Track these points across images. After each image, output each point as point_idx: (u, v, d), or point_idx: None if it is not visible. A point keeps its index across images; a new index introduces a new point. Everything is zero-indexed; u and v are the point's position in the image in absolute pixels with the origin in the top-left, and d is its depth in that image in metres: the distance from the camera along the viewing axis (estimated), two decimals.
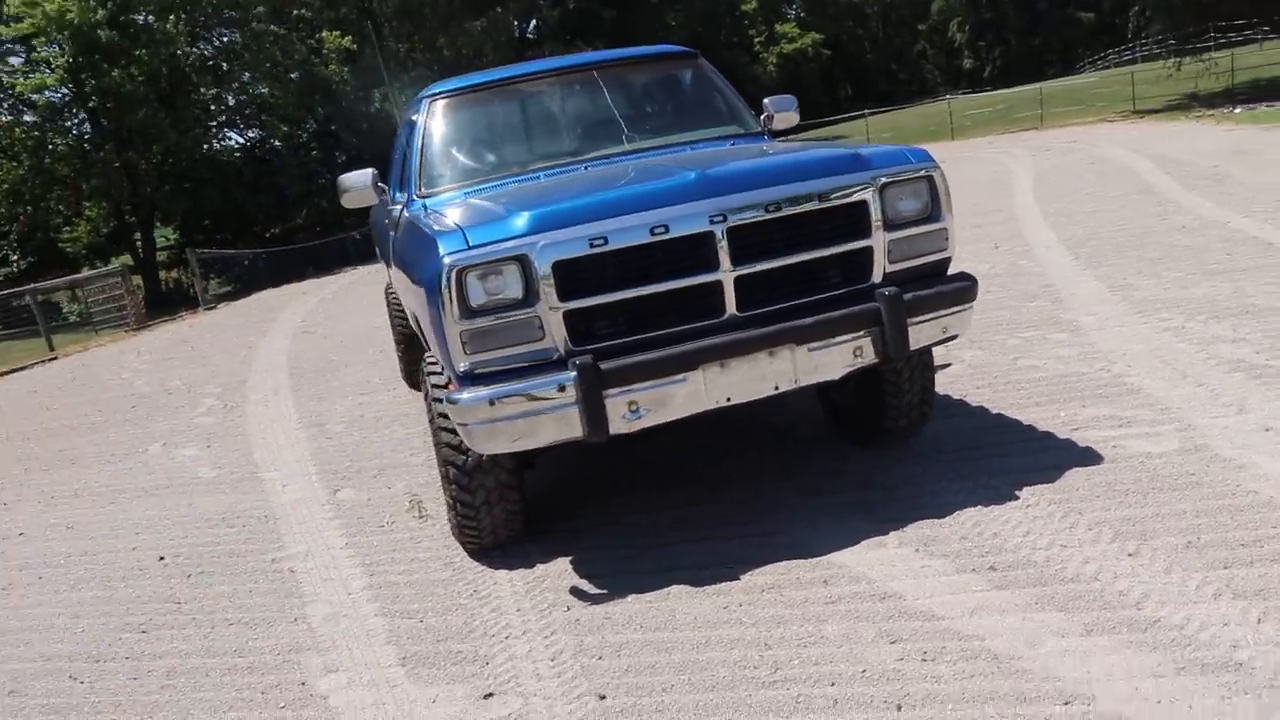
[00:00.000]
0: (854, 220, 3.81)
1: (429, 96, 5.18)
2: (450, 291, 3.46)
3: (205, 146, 27.38)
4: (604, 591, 3.71)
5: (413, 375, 7.54)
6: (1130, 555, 3.34)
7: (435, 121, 5.06)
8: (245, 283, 25.47)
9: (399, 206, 5.02)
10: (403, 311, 7.21)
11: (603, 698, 3.00)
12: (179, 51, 24.80)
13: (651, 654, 3.21)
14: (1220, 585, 3.06)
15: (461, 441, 3.84)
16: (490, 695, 3.12)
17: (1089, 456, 4.21)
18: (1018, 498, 3.91)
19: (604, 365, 3.49)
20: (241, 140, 29.98)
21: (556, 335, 3.55)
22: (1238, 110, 21.89)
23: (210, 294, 23.08)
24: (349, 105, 27.42)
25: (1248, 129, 17.53)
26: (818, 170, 3.82)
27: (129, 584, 4.71)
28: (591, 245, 3.52)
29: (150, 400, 9.60)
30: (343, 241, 28.15)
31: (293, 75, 26.88)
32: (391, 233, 5.11)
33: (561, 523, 4.43)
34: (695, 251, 3.63)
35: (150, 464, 6.99)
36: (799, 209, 3.71)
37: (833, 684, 2.87)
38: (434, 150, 4.98)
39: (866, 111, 39.92)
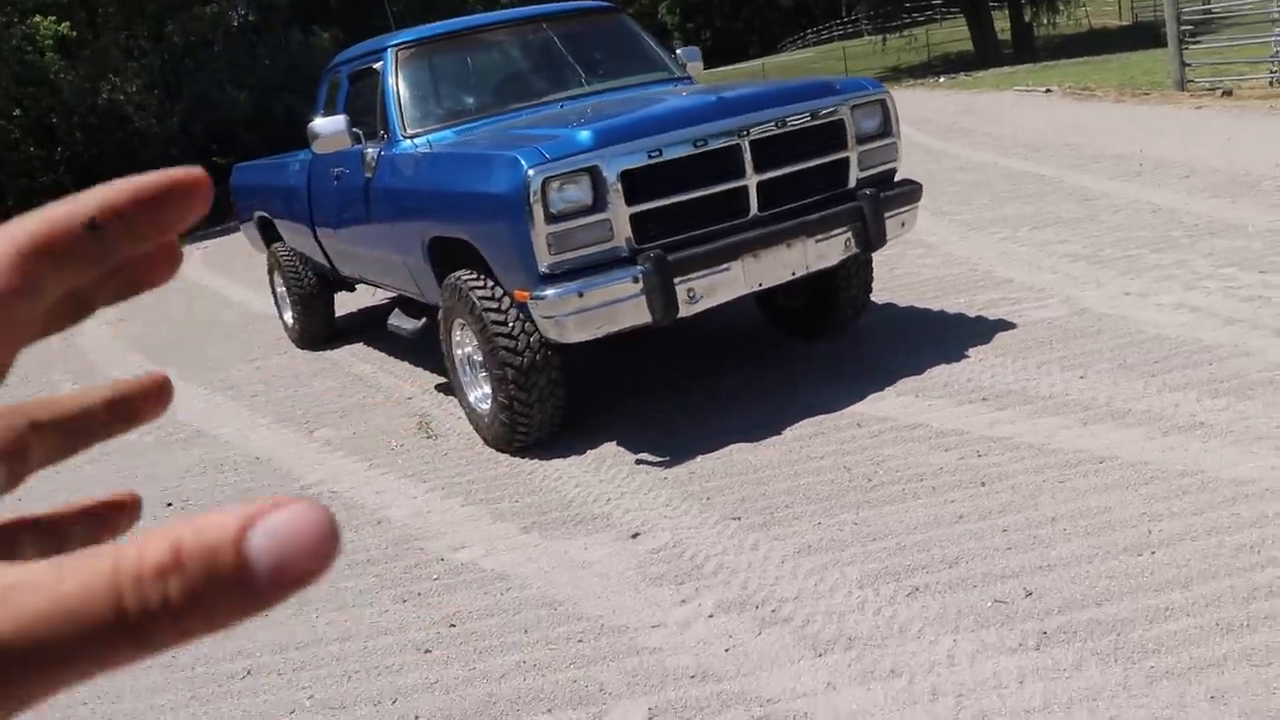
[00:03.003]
0: (836, 135, 4.60)
1: (394, 46, 5.47)
2: (537, 200, 3.94)
3: None
4: (668, 458, 4.30)
5: (312, 337, 7.64)
6: (1082, 379, 4.33)
7: (406, 68, 5.38)
8: None
9: (373, 149, 5.31)
10: (298, 272, 7.36)
11: (738, 519, 3.63)
12: None
13: (753, 488, 3.86)
14: (1160, 385, 4.09)
15: (518, 344, 4.33)
16: (637, 535, 3.67)
17: (1003, 325, 5.23)
18: (969, 356, 4.85)
19: (670, 258, 4.09)
20: None
21: (623, 235, 4.11)
22: (942, 80, 24.69)
23: None
24: (71, 96, 25.40)
25: (961, 94, 19.94)
26: (807, 94, 4.58)
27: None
28: (649, 156, 4.10)
29: None
30: None
31: None
32: (365, 175, 5.37)
33: (581, 424, 4.93)
34: (727, 161, 4.29)
35: None
36: (798, 125, 4.46)
37: (922, 480, 3.65)
38: (411, 94, 5.30)
39: None
